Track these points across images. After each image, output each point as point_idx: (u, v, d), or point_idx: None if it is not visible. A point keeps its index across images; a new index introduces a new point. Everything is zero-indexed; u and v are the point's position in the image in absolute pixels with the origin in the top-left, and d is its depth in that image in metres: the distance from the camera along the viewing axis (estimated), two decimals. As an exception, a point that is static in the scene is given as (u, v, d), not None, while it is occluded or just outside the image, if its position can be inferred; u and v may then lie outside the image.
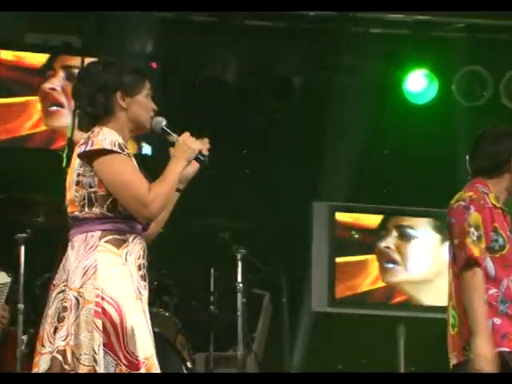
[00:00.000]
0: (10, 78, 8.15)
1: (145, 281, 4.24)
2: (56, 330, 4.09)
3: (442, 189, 8.14)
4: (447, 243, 7.18)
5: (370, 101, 8.07)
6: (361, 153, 7.85)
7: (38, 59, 8.10)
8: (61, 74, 8.13)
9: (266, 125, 8.53)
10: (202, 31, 8.20)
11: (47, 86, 8.11)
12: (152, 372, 4.18)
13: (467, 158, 5.06)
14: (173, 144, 4.29)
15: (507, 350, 4.88)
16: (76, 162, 4.17)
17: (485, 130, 5.09)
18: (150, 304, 6.79)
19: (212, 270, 7.36)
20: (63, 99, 8.12)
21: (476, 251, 4.84)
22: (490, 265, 4.93)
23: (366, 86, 8.17)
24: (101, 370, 4.08)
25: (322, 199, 8.04)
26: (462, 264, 4.85)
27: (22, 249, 6.19)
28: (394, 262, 8.53)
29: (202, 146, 4.25)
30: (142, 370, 4.12)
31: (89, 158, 4.11)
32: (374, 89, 8.22)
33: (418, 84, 8.48)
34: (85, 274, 4.10)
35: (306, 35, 8.26)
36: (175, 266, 7.60)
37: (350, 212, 8.34)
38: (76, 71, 7.71)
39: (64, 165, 6.64)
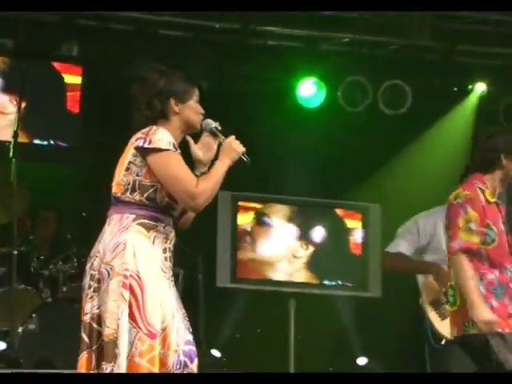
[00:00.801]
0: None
1: (170, 262, 4.42)
2: (91, 298, 4.32)
3: (328, 179, 8.75)
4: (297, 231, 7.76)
5: (268, 105, 8.43)
6: (261, 148, 7.84)
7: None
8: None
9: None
10: (120, 38, 8.42)
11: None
12: (167, 341, 4.28)
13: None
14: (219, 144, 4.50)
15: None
16: (130, 151, 4.39)
17: (482, 129, 5.48)
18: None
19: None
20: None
21: (468, 240, 5.15)
22: (484, 255, 5.20)
23: (264, 91, 8.57)
24: (122, 334, 4.23)
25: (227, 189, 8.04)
26: (452, 250, 5.14)
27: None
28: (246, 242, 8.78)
29: (243, 148, 4.49)
30: (158, 340, 4.26)
31: (145, 152, 4.32)
32: (271, 94, 8.56)
33: (309, 90, 8.87)
34: (115, 249, 4.29)
35: (213, 45, 8.53)
36: None
37: (250, 201, 8.64)
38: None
39: (11, 155, 7.08)
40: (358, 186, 8.88)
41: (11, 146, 7.04)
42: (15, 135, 7.08)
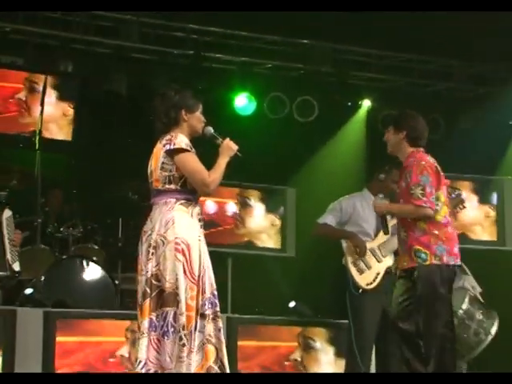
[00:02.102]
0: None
1: (203, 229, 4.67)
2: (148, 260, 4.52)
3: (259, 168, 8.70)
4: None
5: (212, 112, 8.52)
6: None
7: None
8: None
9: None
10: (103, 60, 8.60)
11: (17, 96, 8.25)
12: (202, 287, 4.50)
13: None
14: (218, 145, 4.70)
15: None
16: (161, 153, 4.60)
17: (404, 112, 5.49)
18: (86, 241, 7.59)
19: (120, 219, 7.70)
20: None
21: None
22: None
23: (210, 102, 8.71)
24: (181, 286, 4.45)
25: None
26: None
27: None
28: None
29: (237, 147, 4.72)
30: (196, 283, 4.49)
31: (171, 153, 4.57)
32: (215, 104, 8.39)
33: (243, 102, 9.16)
34: (166, 224, 4.53)
35: (171, 66, 8.71)
36: (103, 217, 7.93)
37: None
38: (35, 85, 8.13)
39: (37, 147, 7.12)
40: (280, 174, 8.87)
41: (36, 140, 7.09)
42: (39, 133, 7.14)
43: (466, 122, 9.73)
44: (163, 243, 4.52)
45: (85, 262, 7.11)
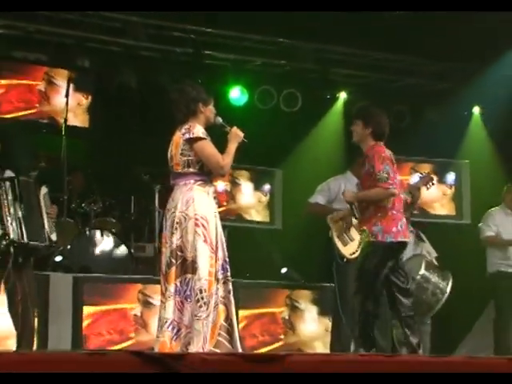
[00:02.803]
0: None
1: (216, 205, 4.82)
2: (172, 234, 4.67)
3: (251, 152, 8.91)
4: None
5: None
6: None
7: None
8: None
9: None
10: (115, 57, 8.63)
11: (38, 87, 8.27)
12: (218, 254, 4.65)
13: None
14: (226, 132, 4.88)
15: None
16: (181, 141, 4.74)
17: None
18: (105, 215, 7.77)
19: (132, 197, 7.91)
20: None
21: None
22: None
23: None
24: (200, 255, 4.59)
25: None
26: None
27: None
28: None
29: (243, 134, 4.93)
30: (214, 252, 4.62)
31: (191, 141, 4.73)
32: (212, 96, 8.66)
33: (236, 94, 9.18)
34: (187, 203, 4.68)
35: (174, 63, 8.73)
36: (119, 194, 8.02)
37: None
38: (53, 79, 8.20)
39: (63, 132, 7.28)
40: (269, 157, 8.92)
41: (63, 126, 7.21)
42: (65, 121, 7.32)
43: (429, 113, 9.81)
44: (185, 219, 4.67)
45: (104, 233, 7.32)
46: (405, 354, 5.33)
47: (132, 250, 7.44)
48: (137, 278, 7.02)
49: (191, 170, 4.75)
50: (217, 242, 4.73)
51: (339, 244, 6.36)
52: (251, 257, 8.25)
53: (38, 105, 8.36)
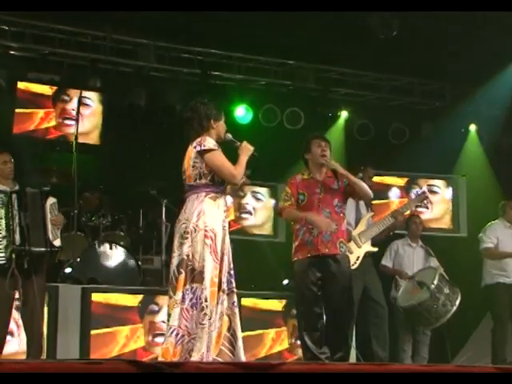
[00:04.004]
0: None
1: (226, 218, 4.73)
2: (182, 244, 4.60)
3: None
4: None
5: None
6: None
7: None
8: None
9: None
10: (124, 77, 8.57)
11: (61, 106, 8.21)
12: (223, 268, 4.58)
13: None
14: (236, 148, 4.82)
15: (297, 258, 5.42)
16: (192, 154, 4.68)
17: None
18: (114, 228, 7.70)
19: (141, 211, 7.83)
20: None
21: (284, 204, 5.50)
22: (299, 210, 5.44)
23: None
24: (207, 265, 4.52)
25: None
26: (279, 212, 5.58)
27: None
28: (248, 213, 9.06)
29: (253, 148, 4.87)
30: (219, 264, 4.56)
31: (202, 153, 4.66)
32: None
33: (242, 113, 9.13)
34: (198, 214, 4.61)
35: (182, 82, 8.66)
36: (127, 208, 7.93)
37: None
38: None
39: (74, 150, 7.15)
40: (272, 171, 8.66)
41: (73, 144, 7.14)
42: (76, 138, 7.24)
43: (427, 131, 9.76)
44: (195, 230, 4.61)
45: (113, 246, 7.21)
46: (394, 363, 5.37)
47: (140, 263, 7.34)
48: (143, 289, 6.93)
49: (203, 181, 4.69)
50: (222, 254, 4.66)
51: None
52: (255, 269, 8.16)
53: (52, 123, 8.30)
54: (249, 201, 8.99)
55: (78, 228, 7.41)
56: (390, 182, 9.45)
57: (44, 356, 5.81)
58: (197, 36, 8.46)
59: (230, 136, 4.89)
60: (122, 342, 6.55)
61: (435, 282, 6.66)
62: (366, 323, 6.46)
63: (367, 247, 6.48)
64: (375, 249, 6.49)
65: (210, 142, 4.69)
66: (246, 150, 4.84)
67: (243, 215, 8.98)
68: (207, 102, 4.83)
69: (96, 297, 6.53)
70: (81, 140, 7.45)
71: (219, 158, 4.68)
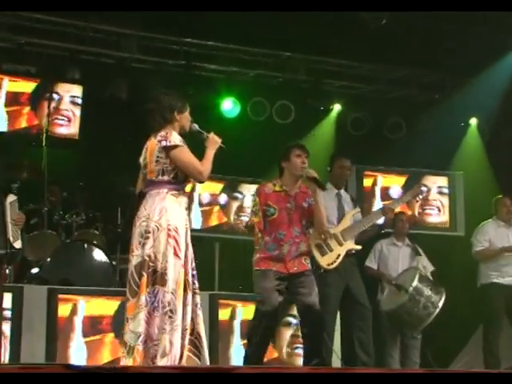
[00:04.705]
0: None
1: (188, 216, 4.60)
2: (144, 244, 4.41)
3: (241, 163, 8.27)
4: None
5: (201, 115, 8.13)
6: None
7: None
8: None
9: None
10: (105, 68, 8.33)
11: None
12: (187, 267, 4.41)
13: None
14: (203, 140, 4.65)
15: (262, 268, 5.31)
16: (156, 148, 4.50)
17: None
18: (88, 227, 7.39)
19: (119, 208, 7.46)
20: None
21: (253, 219, 5.35)
22: (266, 224, 5.32)
23: (198, 106, 8.16)
24: (170, 267, 4.37)
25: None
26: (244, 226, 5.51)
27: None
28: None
29: (220, 140, 4.68)
30: (182, 265, 4.40)
31: (167, 149, 4.48)
32: (203, 108, 8.02)
33: (229, 106, 8.89)
34: (160, 212, 4.43)
35: (166, 74, 8.41)
36: (104, 206, 7.64)
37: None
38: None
39: (43, 144, 6.97)
40: (260, 168, 8.18)
41: (43, 137, 6.90)
42: (46, 131, 7.02)
43: (424, 124, 9.49)
44: (158, 229, 4.44)
45: (86, 246, 6.92)
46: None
47: (114, 263, 7.02)
48: (114, 290, 6.58)
49: (165, 178, 4.52)
50: (187, 255, 4.50)
51: (317, 254, 6.03)
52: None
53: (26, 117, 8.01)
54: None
55: (51, 227, 7.15)
56: (389, 181, 9.04)
57: (6, 358, 5.66)
58: (183, 26, 8.24)
59: (196, 126, 4.72)
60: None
61: (414, 283, 6.45)
62: (349, 326, 6.23)
63: (349, 245, 6.20)
64: (358, 247, 6.21)
65: (175, 138, 4.53)
66: (213, 142, 4.67)
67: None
68: (170, 93, 4.67)
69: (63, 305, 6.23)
70: (59, 134, 7.34)
71: (186, 155, 4.52)
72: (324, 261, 6.04)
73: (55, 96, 8.04)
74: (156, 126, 4.58)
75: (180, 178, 4.55)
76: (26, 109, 7.94)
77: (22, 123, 7.94)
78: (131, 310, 4.44)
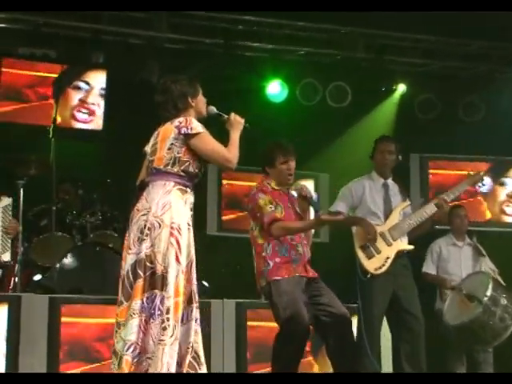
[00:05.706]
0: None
1: (191, 217, 4.30)
2: (142, 240, 4.13)
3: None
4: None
5: (244, 100, 7.78)
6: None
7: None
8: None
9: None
10: (135, 50, 7.89)
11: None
12: (190, 276, 4.18)
13: None
14: (223, 122, 4.41)
15: (279, 277, 4.90)
16: (171, 134, 4.24)
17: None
18: (106, 228, 6.94)
19: None
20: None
21: (277, 214, 4.93)
22: None
23: (241, 90, 8.06)
24: (171, 270, 4.12)
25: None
26: (267, 224, 4.86)
27: (21, 191, 6.11)
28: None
29: (243, 119, 4.43)
30: (184, 275, 4.15)
31: (189, 137, 4.22)
32: (246, 92, 8.11)
33: (275, 89, 8.53)
34: (163, 207, 4.16)
35: (203, 55, 8.02)
36: (121, 205, 6.95)
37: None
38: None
39: (51, 135, 6.55)
40: (313, 159, 8.22)
41: (50, 129, 6.53)
42: (54, 121, 6.62)
43: (506, 104, 8.78)
44: (159, 226, 4.14)
45: (101, 249, 6.54)
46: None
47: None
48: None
49: (175, 169, 4.24)
50: (190, 260, 4.23)
51: (362, 257, 5.51)
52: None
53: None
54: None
55: (64, 229, 6.86)
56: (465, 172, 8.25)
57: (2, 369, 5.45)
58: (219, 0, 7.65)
59: (214, 109, 4.47)
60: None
61: (488, 293, 5.78)
62: (395, 337, 5.66)
63: (400, 245, 5.61)
64: (410, 247, 5.63)
65: (196, 124, 4.28)
66: (236, 123, 4.43)
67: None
68: (179, 79, 4.40)
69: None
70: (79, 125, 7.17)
71: (210, 142, 4.28)
72: (371, 264, 5.48)
73: (83, 85, 7.73)
74: (171, 118, 4.33)
75: (190, 173, 4.26)
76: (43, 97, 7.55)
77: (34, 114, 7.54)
78: (123, 314, 4.14)
